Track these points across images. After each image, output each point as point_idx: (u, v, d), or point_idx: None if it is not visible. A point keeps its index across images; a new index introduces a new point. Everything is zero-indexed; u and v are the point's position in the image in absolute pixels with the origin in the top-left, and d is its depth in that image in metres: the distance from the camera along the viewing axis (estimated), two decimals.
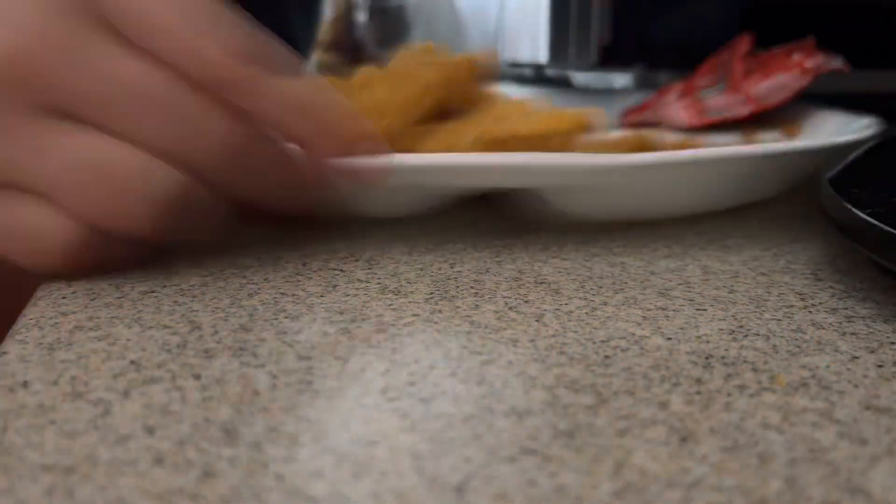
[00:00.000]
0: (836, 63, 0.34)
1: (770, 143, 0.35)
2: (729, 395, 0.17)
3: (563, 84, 0.52)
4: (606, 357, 0.18)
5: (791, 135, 0.36)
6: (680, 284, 0.23)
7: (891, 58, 0.46)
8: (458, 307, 0.21)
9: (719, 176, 0.28)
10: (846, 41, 0.44)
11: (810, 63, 0.34)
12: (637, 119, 0.43)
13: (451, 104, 0.34)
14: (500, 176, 0.26)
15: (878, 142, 0.28)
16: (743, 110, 0.37)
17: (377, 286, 0.23)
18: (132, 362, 0.18)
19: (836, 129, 0.33)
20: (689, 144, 0.36)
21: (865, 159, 0.27)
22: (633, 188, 0.27)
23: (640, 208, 0.28)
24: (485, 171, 0.25)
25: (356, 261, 0.25)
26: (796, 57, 0.35)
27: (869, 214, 0.21)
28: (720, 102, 0.39)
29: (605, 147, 0.34)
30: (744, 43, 0.41)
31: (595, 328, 0.20)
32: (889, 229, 0.20)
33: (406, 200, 0.27)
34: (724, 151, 0.27)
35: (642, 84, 0.46)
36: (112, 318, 0.20)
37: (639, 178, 0.26)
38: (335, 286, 0.23)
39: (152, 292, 0.22)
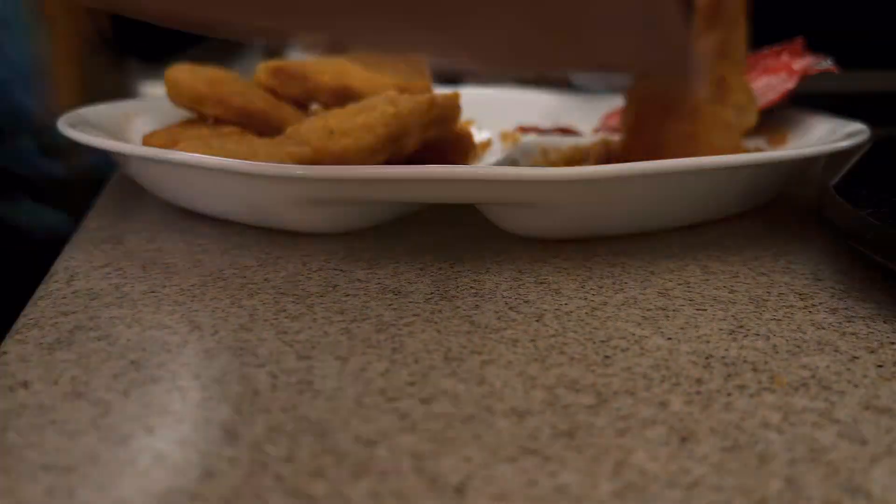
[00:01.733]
0: (826, 64, 0.33)
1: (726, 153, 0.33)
2: (729, 395, 0.17)
3: (563, 84, 0.52)
4: (606, 357, 0.18)
5: (776, 143, 0.35)
6: (680, 284, 0.23)
7: (881, 58, 0.46)
8: (458, 307, 0.21)
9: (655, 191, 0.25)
10: (844, 42, 0.44)
11: (798, 65, 0.33)
12: (617, 123, 0.42)
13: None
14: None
15: (874, 143, 0.28)
16: None
17: (377, 286, 0.23)
18: (132, 362, 0.18)
19: (823, 138, 0.32)
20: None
21: (863, 160, 0.27)
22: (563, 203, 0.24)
23: (582, 225, 0.26)
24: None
25: (356, 261, 0.25)
26: (784, 58, 0.34)
27: (869, 215, 0.21)
28: None
29: (574, 154, 0.33)
30: None
31: (595, 328, 0.20)
32: (889, 229, 0.20)
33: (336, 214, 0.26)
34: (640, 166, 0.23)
35: None
36: (112, 318, 0.20)
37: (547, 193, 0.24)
38: (335, 286, 0.23)
39: (152, 292, 0.22)
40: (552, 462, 0.14)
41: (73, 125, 0.30)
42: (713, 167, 0.24)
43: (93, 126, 0.32)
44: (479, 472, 0.14)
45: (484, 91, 0.51)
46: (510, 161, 0.32)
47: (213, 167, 0.24)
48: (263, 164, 0.23)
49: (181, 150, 0.27)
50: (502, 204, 0.25)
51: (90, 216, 0.31)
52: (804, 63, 0.34)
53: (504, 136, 0.35)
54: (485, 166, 0.23)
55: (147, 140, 0.32)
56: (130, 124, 0.35)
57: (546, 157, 0.33)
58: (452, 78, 0.67)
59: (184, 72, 0.33)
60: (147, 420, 0.16)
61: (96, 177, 0.39)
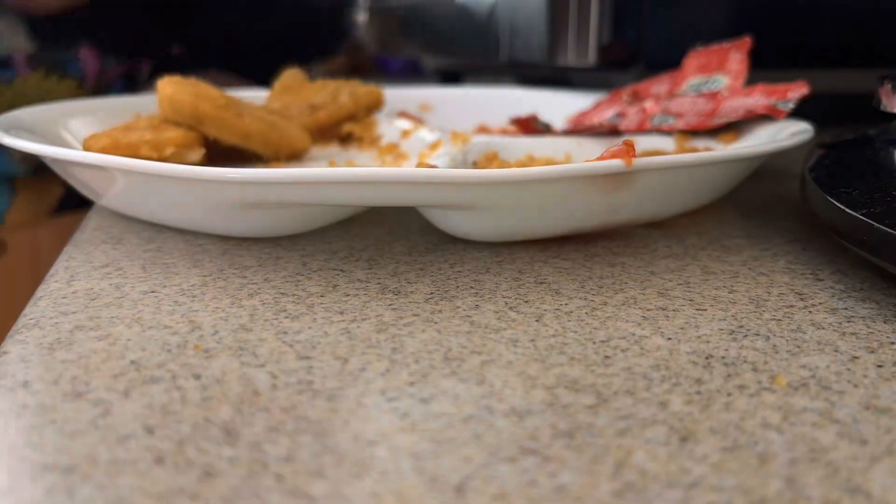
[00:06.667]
0: (790, 106, 0.34)
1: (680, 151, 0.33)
2: (729, 395, 0.17)
3: (562, 84, 0.52)
4: (606, 357, 0.18)
5: (726, 142, 0.35)
6: (680, 284, 0.23)
7: (844, 59, 0.46)
8: (458, 307, 0.21)
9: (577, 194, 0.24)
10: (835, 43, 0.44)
11: (785, 107, 0.34)
12: (581, 124, 0.42)
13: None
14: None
15: (858, 142, 0.28)
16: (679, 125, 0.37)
17: (377, 286, 0.23)
18: (132, 362, 0.18)
19: (769, 137, 0.32)
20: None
21: (846, 159, 0.27)
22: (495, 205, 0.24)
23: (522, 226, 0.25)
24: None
25: (356, 261, 0.25)
26: (773, 103, 0.34)
27: (864, 215, 0.21)
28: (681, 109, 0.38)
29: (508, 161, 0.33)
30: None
31: (595, 328, 0.20)
32: (886, 228, 0.20)
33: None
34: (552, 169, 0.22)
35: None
36: (112, 318, 0.20)
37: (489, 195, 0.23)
38: (335, 286, 0.23)
39: (152, 292, 0.22)
40: (552, 462, 0.14)
41: (5, 129, 0.29)
42: (648, 167, 0.24)
43: (27, 130, 0.31)
44: (479, 472, 0.14)
45: (479, 91, 0.51)
46: (454, 162, 0.32)
47: (144, 171, 0.23)
48: (195, 168, 0.22)
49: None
50: (433, 206, 0.24)
51: (90, 216, 0.31)
52: (788, 104, 0.34)
53: (454, 137, 0.35)
54: (410, 168, 0.22)
55: (87, 143, 0.32)
56: (69, 126, 0.34)
57: (488, 159, 0.32)
58: (452, 77, 0.67)
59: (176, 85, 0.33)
60: (147, 420, 0.16)
61: None
